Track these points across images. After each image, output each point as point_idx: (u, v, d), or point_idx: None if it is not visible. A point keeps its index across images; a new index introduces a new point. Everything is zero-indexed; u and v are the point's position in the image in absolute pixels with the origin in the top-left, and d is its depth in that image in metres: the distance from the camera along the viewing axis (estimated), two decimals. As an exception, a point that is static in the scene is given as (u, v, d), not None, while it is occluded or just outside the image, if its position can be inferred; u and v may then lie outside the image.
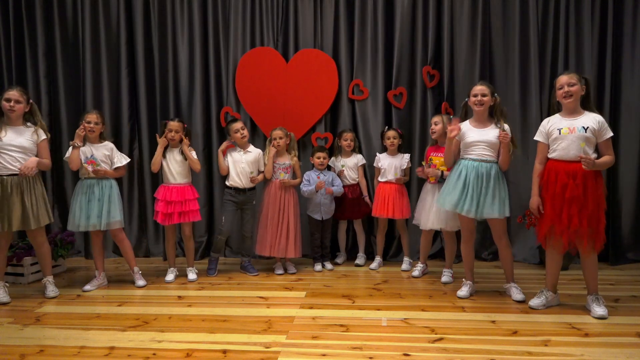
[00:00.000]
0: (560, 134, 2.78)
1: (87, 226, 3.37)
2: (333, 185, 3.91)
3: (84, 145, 3.38)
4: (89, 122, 3.38)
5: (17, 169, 3.08)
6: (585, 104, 2.82)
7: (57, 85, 4.47)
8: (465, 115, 3.21)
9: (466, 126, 3.13)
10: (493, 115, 3.10)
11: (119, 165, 3.52)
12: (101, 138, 3.50)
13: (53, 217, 3.39)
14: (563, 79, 2.78)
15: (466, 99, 3.17)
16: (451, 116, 3.67)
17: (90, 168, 3.36)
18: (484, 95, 3.04)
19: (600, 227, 2.74)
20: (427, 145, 3.79)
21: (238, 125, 3.79)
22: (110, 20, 4.42)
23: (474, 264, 3.30)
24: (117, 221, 3.46)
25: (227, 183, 3.82)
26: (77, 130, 3.33)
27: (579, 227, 2.70)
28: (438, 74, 4.21)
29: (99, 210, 3.37)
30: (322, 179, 3.87)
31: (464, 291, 3.20)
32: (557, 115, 2.88)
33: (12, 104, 3.09)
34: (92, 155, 3.40)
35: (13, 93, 3.10)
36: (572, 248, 2.81)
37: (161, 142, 3.59)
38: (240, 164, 3.77)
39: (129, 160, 3.62)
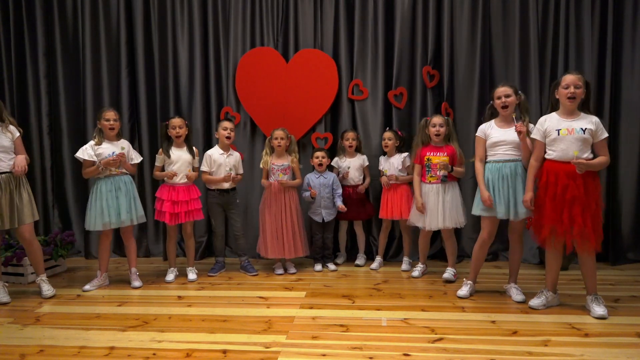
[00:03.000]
0: (559, 135, 2.78)
1: (118, 223, 3.41)
2: (334, 188, 3.91)
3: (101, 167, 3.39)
4: (107, 120, 3.40)
5: (2, 168, 3.09)
6: (583, 107, 2.82)
7: (57, 85, 4.47)
8: (491, 116, 3.19)
9: (490, 126, 3.13)
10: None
11: (135, 162, 3.58)
12: (117, 136, 3.53)
13: (39, 216, 3.39)
14: (569, 78, 2.75)
15: (491, 102, 3.16)
16: (446, 117, 3.66)
17: (114, 168, 3.39)
18: (507, 96, 3.02)
19: (600, 226, 2.75)
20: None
21: (229, 124, 3.80)
22: (110, 20, 4.42)
23: (480, 268, 3.26)
24: (142, 215, 3.54)
25: (209, 186, 3.82)
26: (110, 160, 3.34)
27: (583, 228, 2.69)
28: (438, 74, 4.21)
29: (128, 205, 3.43)
30: (322, 182, 3.87)
31: (464, 291, 3.20)
32: (554, 114, 2.86)
33: None
34: (113, 153, 3.41)
35: None
36: (572, 249, 2.80)
37: (169, 176, 3.60)
38: (225, 167, 3.77)
39: (141, 158, 3.68)
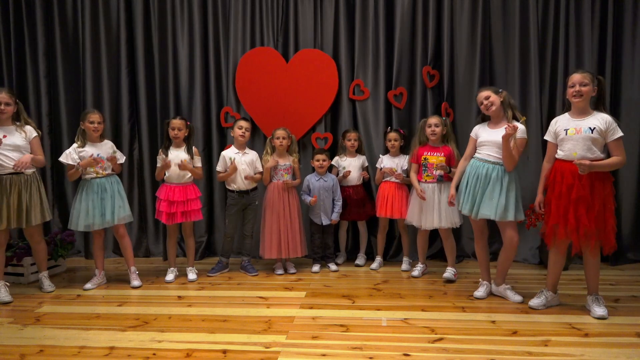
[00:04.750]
0: (566, 134, 2.77)
1: (102, 224, 3.42)
2: (334, 192, 3.89)
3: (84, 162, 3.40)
4: (92, 122, 3.41)
5: (13, 169, 3.14)
6: (597, 105, 2.79)
7: (57, 85, 4.47)
8: (482, 120, 3.21)
9: (483, 126, 3.15)
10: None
11: (121, 162, 3.62)
12: (101, 137, 3.54)
13: (52, 215, 3.44)
14: (576, 77, 2.74)
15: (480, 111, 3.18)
16: (444, 118, 3.67)
17: (99, 169, 3.42)
18: (487, 97, 3.03)
19: (607, 228, 2.71)
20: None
21: (245, 124, 3.80)
22: (110, 20, 4.42)
23: (489, 263, 3.25)
24: (127, 215, 3.53)
25: (229, 187, 3.82)
26: (89, 160, 3.36)
27: (588, 228, 2.69)
28: (438, 74, 4.21)
29: (112, 206, 3.44)
30: (323, 185, 3.87)
31: (480, 292, 3.19)
32: (566, 114, 2.86)
33: (2, 107, 3.15)
34: (98, 155, 3.42)
35: (2, 96, 3.15)
36: (579, 249, 2.78)
37: (164, 164, 3.58)
38: (241, 165, 3.77)
39: (124, 158, 3.71)
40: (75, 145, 3.43)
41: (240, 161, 3.77)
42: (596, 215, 2.69)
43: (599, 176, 2.71)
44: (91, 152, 3.40)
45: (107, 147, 3.52)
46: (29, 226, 3.24)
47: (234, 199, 3.81)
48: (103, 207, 3.41)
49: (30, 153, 3.26)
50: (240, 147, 3.83)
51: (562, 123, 2.84)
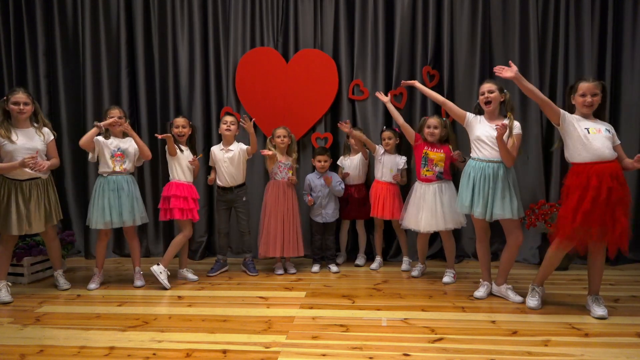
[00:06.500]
0: (589, 133, 2.68)
1: (120, 222, 3.40)
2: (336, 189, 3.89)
3: (103, 133, 3.38)
4: (112, 117, 3.40)
5: (34, 173, 3.14)
6: (599, 111, 2.77)
7: (57, 85, 4.47)
8: (478, 114, 3.19)
9: (480, 119, 3.11)
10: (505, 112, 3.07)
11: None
12: (124, 134, 3.53)
13: (62, 215, 3.47)
14: (587, 86, 2.69)
15: (477, 101, 3.16)
16: (444, 119, 3.66)
17: (118, 164, 3.42)
18: (490, 92, 3.02)
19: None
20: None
21: (229, 118, 3.78)
22: (110, 20, 4.42)
23: (490, 264, 3.24)
24: (145, 216, 3.54)
25: (217, 184, 3.85)
26: (111, 121, 3.36)
27: (625, 228, 2.62)
28: (438, 74, 4.21)
29: (130, 206, 3.43)
30: (324, 182, 3.86)
31: (481, 292, 3.18)
32: (575, 115, 2.78)
33: (21, 107, 3.12)
34: (119, 149, 3.42)
35: (20, 96, 3.12)
36: (582, 248, 2.75)
37: (169, 141, 3.50)
38: (223, 162, 3.77)
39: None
40: (100, 136, 3.42)
41: (223, 158, 3.76)
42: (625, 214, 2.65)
43: (623, 180, 2.68)
44: (113, 146, 3.40)
45: (131, 144, 3.51)
46: (49, 226, 3.28)
47: (220, 194, 3.83)
48: (120, 206, 3.39)
49: (47, 155, 3.27)
50: (226, 144, 3.80)
51: (578, 119, 2.74)
